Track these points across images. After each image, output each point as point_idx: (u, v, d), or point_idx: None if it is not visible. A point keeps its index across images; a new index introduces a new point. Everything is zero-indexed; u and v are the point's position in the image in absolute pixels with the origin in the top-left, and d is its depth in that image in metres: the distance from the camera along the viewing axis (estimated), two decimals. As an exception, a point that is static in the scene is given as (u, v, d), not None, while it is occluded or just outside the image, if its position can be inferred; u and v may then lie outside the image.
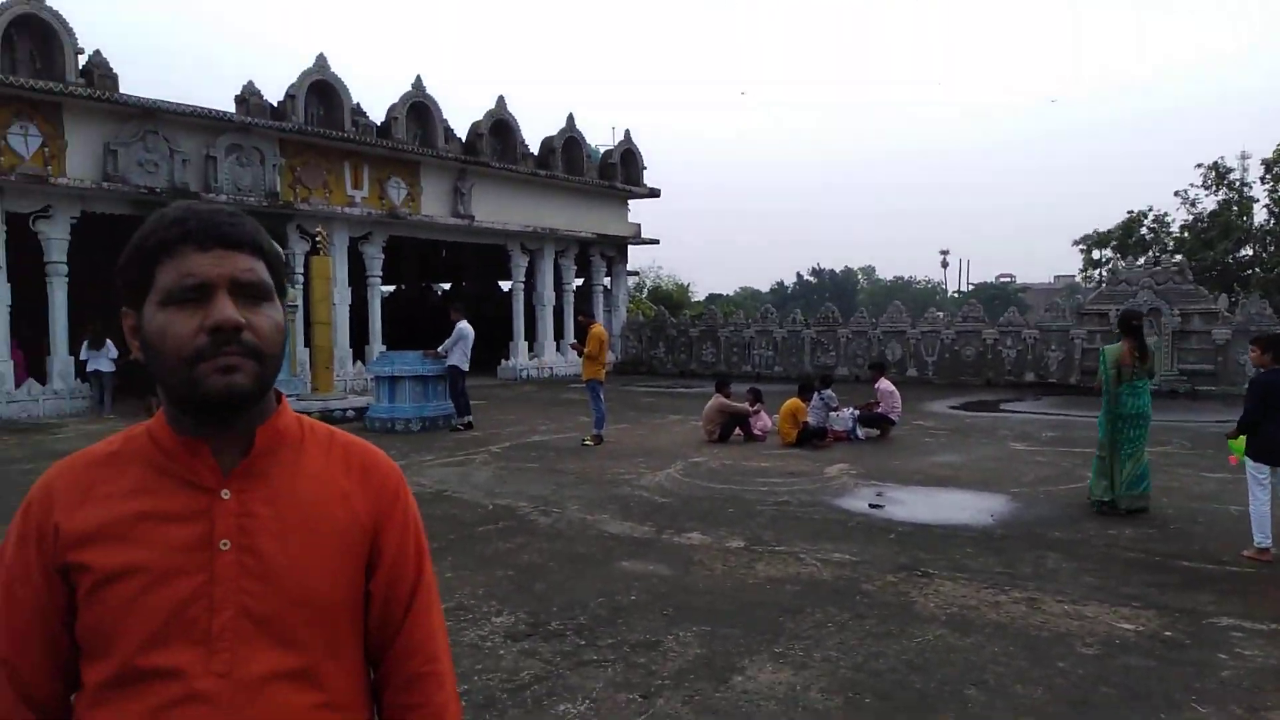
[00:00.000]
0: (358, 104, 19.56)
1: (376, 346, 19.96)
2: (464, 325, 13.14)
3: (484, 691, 3.86)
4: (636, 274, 34.81)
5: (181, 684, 1.06)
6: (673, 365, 25.58)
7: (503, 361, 23.69)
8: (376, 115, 20.14)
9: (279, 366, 1.17)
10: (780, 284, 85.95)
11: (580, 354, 11.83)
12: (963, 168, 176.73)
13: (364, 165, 19.97)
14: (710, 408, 11.84)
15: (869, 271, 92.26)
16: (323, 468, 1.22)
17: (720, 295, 68.54)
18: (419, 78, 20.66)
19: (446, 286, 32.88)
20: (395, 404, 12.97)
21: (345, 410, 14.00)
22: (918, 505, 7.64)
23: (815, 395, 11.77)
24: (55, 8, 15.11)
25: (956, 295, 68.53)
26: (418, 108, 20.77)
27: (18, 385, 15.01)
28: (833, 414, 11.75)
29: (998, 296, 60.37)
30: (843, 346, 22.82)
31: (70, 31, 15.19)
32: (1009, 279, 77.24)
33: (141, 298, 1.12)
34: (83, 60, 15.43)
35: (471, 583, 5.43)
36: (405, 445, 11.35)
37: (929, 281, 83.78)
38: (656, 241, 28.17)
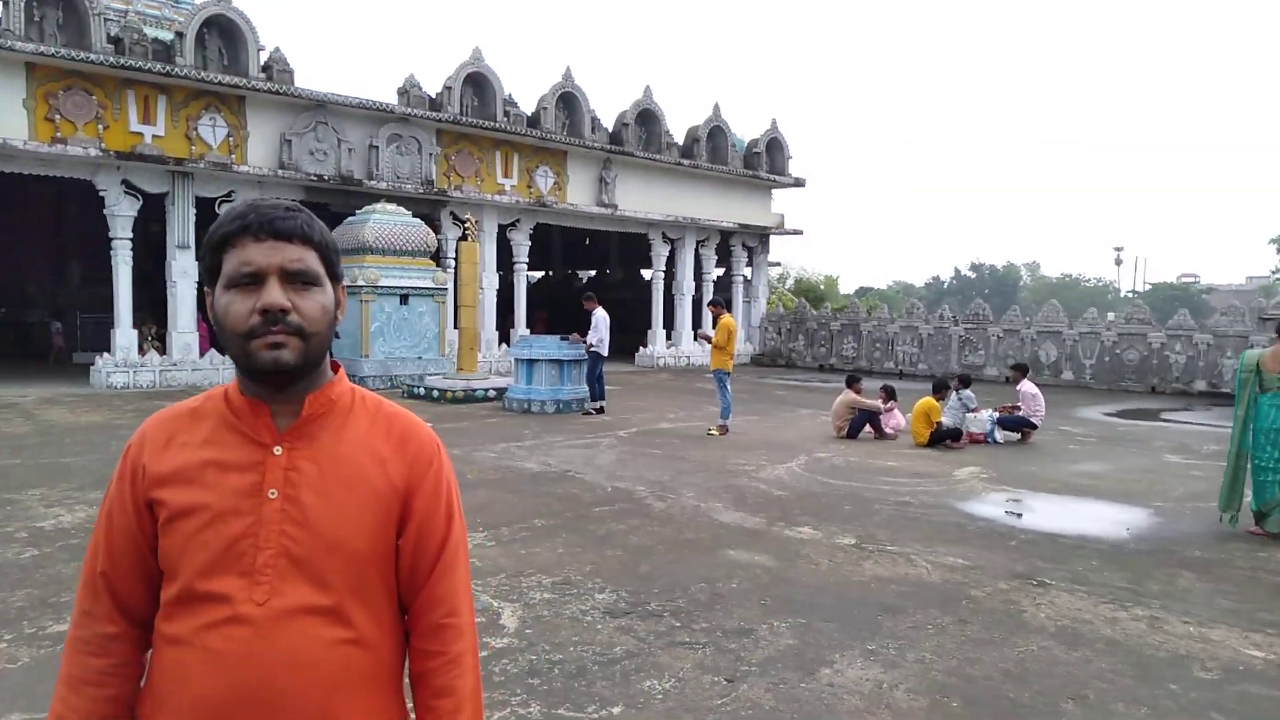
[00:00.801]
0: (509, 95, 20.27)
1: (521, 330, 20.69)
2: (600, 312, 13.49)
3: (576, 662, 4.04)
4: (778, 265, 34.42)
5: (227, 607, 1.24)
6: (811, 359, 25.25)
7: (640, 349, 24.05)
8: (526, 105, 20.82)
9: (325, 343, 1.34)
10: (936, 278, 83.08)
11: (710, 342, 11.88)
12: (1144, 154, 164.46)
13: (514, 154, 20.72)
14: (839, 403, 11.67)
15: (1033, 267, 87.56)
16: (365, 434, 1.37)
17: (871, 289, 66.88)
18: (568, 69, 21.20)
19: (592, 273, 33.63)
20: (532, 386, 13.45)
21: (486, 390, 14.62)
22: (1047, 513, 7.30)
23: (953, 395, 11.40)
24: (240, 8, 16.46)
25: (1130, 295, 64.10)
26: (566, 98, 21.32)
27: (201, 354, 16.53)
28: (969, 415, 11.34)
29: (1177, 297, 56.13)
30: (992, 345, 21.86)
31: (254, 29, 16.50)
32: (1192, 279, 71.56)
33: (214, 280, 1.32)
34: (264, 56, 16.73)
35: (581, 560, 5.64)
36: (538, 426, 11.79)
37: (1099, 280, 78.69)
38: (800, 232, 27.80)
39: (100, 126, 15.21)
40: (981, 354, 21.97)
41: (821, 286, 43.23)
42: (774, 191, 27.18)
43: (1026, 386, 11.72)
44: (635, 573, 5.41)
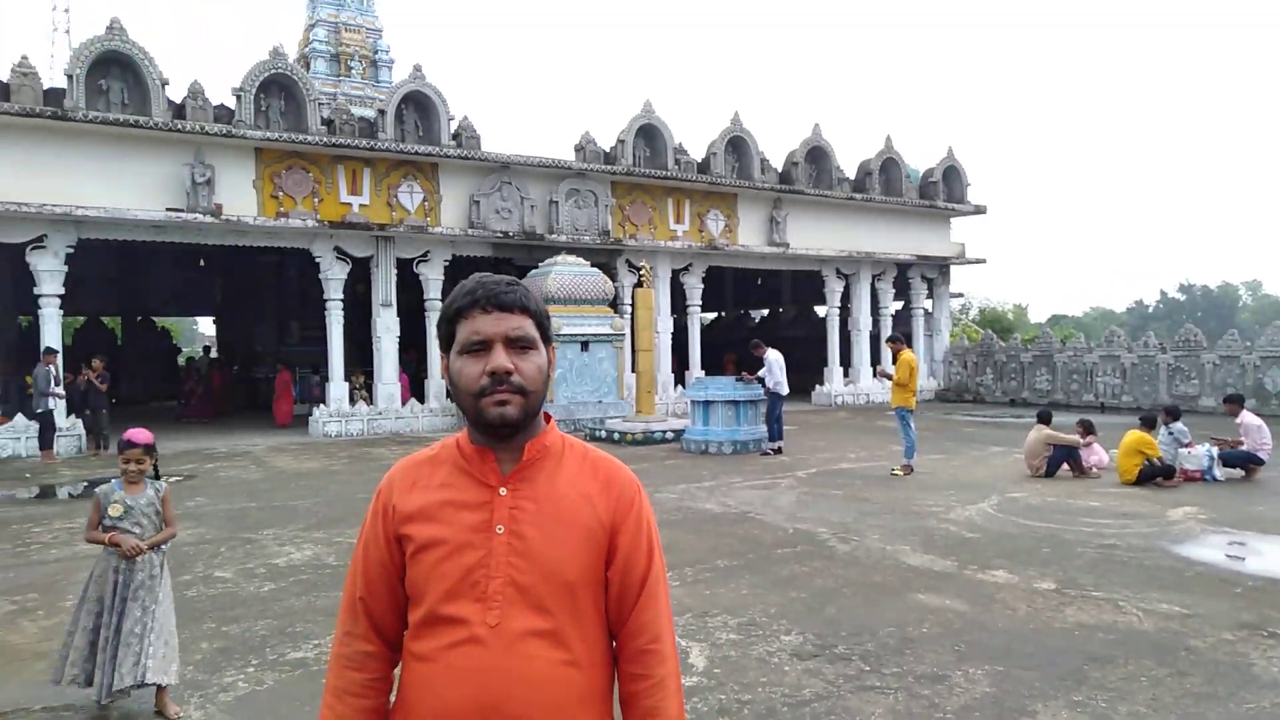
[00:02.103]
0: (679, 143, 20.79)
1: (696, 372, 20.94)
2: (772, 353, 13.50)
3: (765, 703, 4.08)
4: (961, 296, 33.09)
5: (465, 629, 1.43)
6: (1001, 393, 24.01)
7: (817, 387, 23.72)
8: (696, 151, 21.28)
9: (541, 398, 1.53)
10: (1139, 303, 77.06)
11: (890, 380, 11.60)
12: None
13: (685, 200, 21.20)
14: (1033, 439, 11.07)
15: (1254, 286, 79.52)
16: (575, 475, 1.55)
17: (1064, 317, 62.86)
18: (736, 114, 21.51)
19: (764, 312, 33.60)
20: (709, 427, 13.59)
21: (664, 432, 14.90)
22: (1279, 557, 6.64)
23: (1163, 429, 10.58)
24: (433, 83, 17.89)
25: (1375, 311, 56.91)
26: (735, 142, 21.63)
27: (403, 404, 17.80)
28: (1182, 450, 10.47)
29: None
30: (1207, 374, 20.03)
31: (444, 101, 17.88)
32: None
33: (450, 347, 1.54)
34: (453, 125, 18.07)
35: (765, 601, 5.66)
36: (716, 467, 11.88)
37: (1336, 295, 70.32)
38: (983, 261, 26.68)
39: (315, 200, 16.88)
40: (1195, 383, 20.17)
41: (1010, 316, 41.17)
42: (953, 221, 26.28)
43: (1248, 418, 10.70)
44: (821, 615, 5.37)
